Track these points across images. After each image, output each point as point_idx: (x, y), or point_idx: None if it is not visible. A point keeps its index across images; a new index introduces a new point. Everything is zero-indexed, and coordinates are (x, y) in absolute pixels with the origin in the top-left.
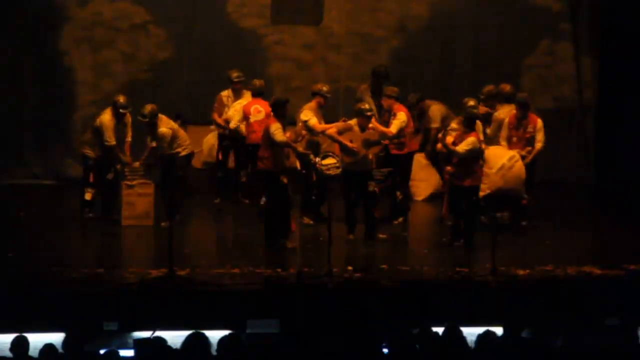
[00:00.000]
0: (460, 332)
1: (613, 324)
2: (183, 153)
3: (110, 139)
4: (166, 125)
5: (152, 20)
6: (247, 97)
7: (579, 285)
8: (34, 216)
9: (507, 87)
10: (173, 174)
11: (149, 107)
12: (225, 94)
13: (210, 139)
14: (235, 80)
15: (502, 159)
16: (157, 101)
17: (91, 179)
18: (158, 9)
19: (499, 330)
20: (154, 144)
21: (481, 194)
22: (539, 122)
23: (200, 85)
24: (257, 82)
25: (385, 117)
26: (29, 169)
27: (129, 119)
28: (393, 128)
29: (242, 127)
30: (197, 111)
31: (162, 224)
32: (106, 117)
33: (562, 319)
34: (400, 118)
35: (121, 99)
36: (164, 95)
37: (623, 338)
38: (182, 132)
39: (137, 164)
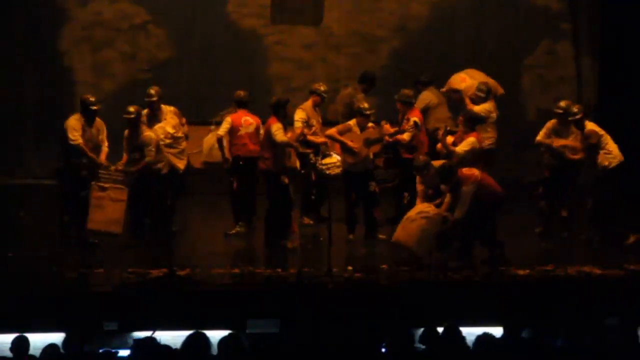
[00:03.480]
0: (460, 332)
1: (613, 324)
2: (165, 170)
3: (75, 138)
4: (150, 144)
5: (152, 20)
6: (170, 117)
7: (579, 285)
8: (34, 216)
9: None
10: (152, 190)
11: (134, 106)
12: (145, 112)
13: (210, 139)
14: (145, 99)
15: (414, 212)
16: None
17: (68, 196)
18: (158, 9)
19: (499, 330)
20: (136, 155)
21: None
22: (467, 183)
23: (200, 85)
24: (242, 93)
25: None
26: (29, 169)
27: (103, 126)
28: (406, 135)
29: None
30: (197, 111)
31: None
32: (72, 118)
33: (562, 319)
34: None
35: (90, 96)
36: (164, 95)
37: (623, 338)
38: (164, 151)
39: (113, 167)
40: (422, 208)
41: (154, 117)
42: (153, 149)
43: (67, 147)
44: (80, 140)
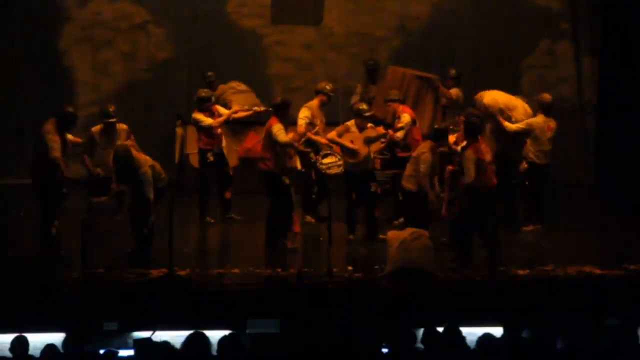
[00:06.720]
0: (460, 332)
1: (613, 324)
2: (160, 185)
3: (56, 151)
4: (145, 164)
5: (152, 20)
6: (133, 138)
7: (579, 285)
8: (34, 216)
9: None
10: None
11: (112, 106)
12: (97, 129)
13: None
14: (105, 120)
15: (404, 234)
16: (157, 101)
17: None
18: (158, 9)
19: (499, 330)
20: (122, 188)
21: (382, 273)
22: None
23: (200, 85)
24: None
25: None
26: (29, 169)
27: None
28: (400, 133)
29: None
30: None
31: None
32: (48, 126)
33: (562, 319)
34: (404, 120)
35: (70, 108)
36: (164, 95)
37: (623, 338)
38: (157, 165)
39: (104, 197)
40: (409, 231)
41: (108, 136)
42: (150, 185)
43: (41, 158)
44: (59, 154)
